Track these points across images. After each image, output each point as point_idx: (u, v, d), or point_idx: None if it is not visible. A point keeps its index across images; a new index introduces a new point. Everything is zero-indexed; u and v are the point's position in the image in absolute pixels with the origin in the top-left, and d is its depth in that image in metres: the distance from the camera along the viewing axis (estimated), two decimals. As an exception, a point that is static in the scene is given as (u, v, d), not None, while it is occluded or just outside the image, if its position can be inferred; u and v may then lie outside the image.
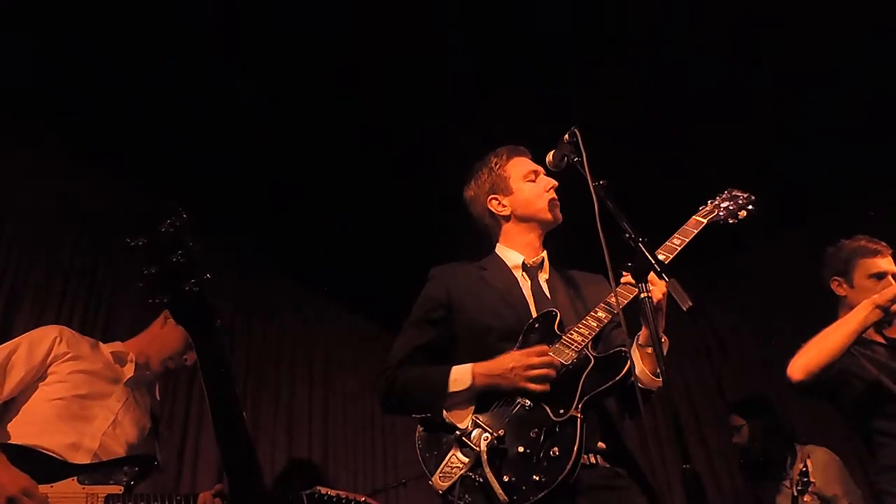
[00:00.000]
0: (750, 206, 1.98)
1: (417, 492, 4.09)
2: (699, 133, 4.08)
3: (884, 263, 2.45)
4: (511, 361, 1.65)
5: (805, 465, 3.19)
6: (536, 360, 1.63)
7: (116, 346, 2.52)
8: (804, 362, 2.24)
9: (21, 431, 2.17)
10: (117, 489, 2.18)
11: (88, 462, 2.20)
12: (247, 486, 1.07)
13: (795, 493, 3.18)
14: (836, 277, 2.49)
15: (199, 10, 3.26)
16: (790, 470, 3.47)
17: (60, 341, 2.32)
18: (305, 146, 4.02)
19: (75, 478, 2.15)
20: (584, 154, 1.76)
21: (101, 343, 2.52)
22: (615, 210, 1.64)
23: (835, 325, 2.25)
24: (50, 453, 2.15)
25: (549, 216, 1.99)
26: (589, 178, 1.70)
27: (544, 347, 1.68)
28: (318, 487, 2.66)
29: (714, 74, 3.81)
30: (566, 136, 1.84)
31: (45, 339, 2.31)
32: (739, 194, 2.01)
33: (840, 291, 2.48)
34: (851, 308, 2.39)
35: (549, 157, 1.93)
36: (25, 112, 3.64)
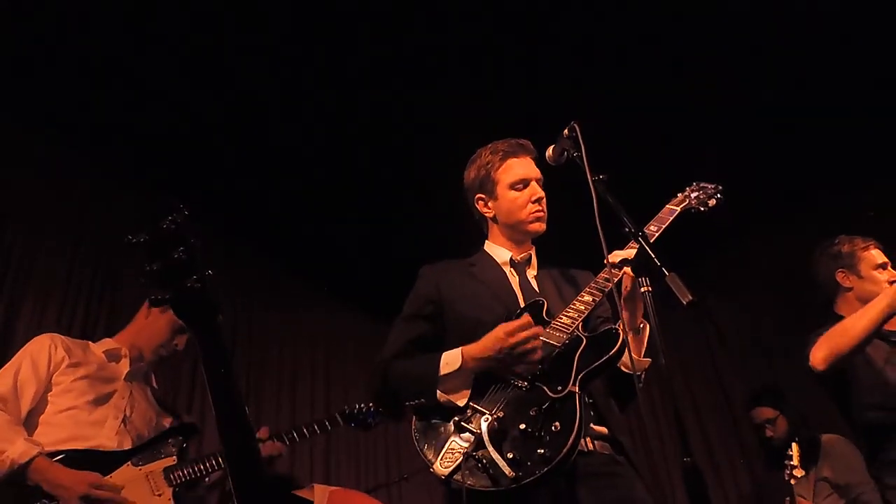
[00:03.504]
0: (718, 195, 2.05)
1: (419, 486, 4.10)
2: (697, 130, 4.08)
3: (880, 256, 2.53)
4: (496, 340, 1.63)
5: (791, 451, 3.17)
6: (521, 334, 1.61)
7: (108, 343, 2.54)
8: (827, 351, 2.25)
9: (48, 442, 2.20)
10: (171, 461, 2.28)
11: (132, 447, 2.27)
12: (250, 480, 1.07)
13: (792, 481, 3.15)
14: (842, 270, 2.53)
15: (198, 8, 3.26)
16: (819, 461, 3.40)
17: (56, 349, 2.35)
18: (305, 143, 4.02)
19: (129, 462, 2.22)
20: (583, 149, 1.77)
21: (90, 343, 2.55)
22: (615, 204, 1.65)
23: (857, 313, 2.27)
24: (99, 449, 2.22)
25: (529, 228, 1.99)
26: (588, 172, 1.70)
27: (528, 319, 1.66)
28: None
29: (711, 70, 3.81)
30: (565, 130, 1.85)
31: (42, 350, 2.33)
32: (707, 185, 2.08)
33: (847, 283, 2.51)
34: (859, 298, 2.44)
35: (549, 151, 1.93)
36: (25, 112, 3.64)
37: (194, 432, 2.44)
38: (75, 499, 2.04)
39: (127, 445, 2.32)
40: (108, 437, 2.28)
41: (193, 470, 2.30)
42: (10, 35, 3.28)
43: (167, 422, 2.58)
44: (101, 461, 2.20)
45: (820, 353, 2.26)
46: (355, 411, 2.78)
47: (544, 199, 1.99)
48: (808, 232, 4.16)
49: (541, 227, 1.99)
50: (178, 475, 2.27)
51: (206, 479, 2.36)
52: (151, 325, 2.55)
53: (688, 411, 4.92)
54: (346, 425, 2.75)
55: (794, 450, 3.17)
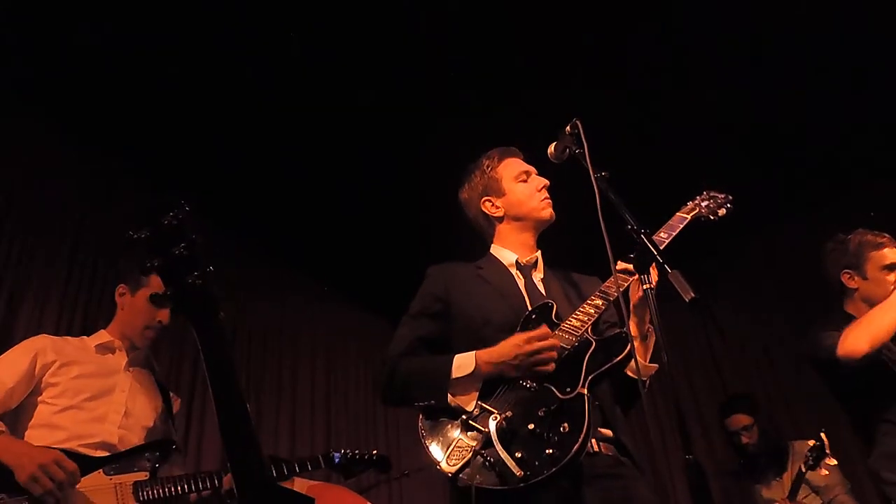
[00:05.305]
0: (728, 205, 2.07)
1: (419, 483, 4.09)
2: (697, 129, 4.08)
3: (892, 255, 2.47)
4: (514, 347, 1.65)
5: (819, 440, 3.15)
6: (539, 343, 1.64)
7: (101, 336, 2.48)
8: (870, 334, 2.19)
9: (48, 443, 2.15)
10: (143, 475, 2.22)
11: (110, 454, 2.22)
12: (251, 476, 1.07)
13: (804, 470, 3.18)
14: (847, 270, 2.49)
15: (198, 6, 3.26)
16: (789, 465, 3.48)
17: (44, 351, 2.30)
18: (308, 140, 4.01)
19: (101, 470, 2.17)
20: (585, 146, 1.77)
21: (85, 338, 2.50)
22: (617, 202, 1.65)
23: (884, 306, 2.25)
24: (74, 451, 2.16)
25: (541, 215, 2.01)
26: (590, 169, 1.70)
27: (546, 330, 1.68)
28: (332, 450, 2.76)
29: (712, 69, 3.81)
30: (567, 127, 1.85)
31: (27, 351, 2.28)
32: (717, 195, 2.11)
33: (852, 284, 2.47)
34: (864, 300, 2.42)
35: (551, 149, 1.93)
36: (25, 109, 3.64)
37: (172, 451, 2.35)
38: (34, 465, 1.97)
39: (133, 439, 2.29)
40: (110, 433, 2.24)
41: (164, 490, 2.21)
42: (10, 34, 3.27)
43: (176, 403, 2.56)
44: (76, 463, 2.12)
45: (862, 336, 2.19)
46: (339, 457, 2.72)
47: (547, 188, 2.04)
48: (808, 232, 4.16)
49: (551, 214, 2.03)
50: (148, 493, 2.19)
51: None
52: (130, 311, 2.48)
53: (689, 408, 4.91)
54: (328, 469, 2.69)
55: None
